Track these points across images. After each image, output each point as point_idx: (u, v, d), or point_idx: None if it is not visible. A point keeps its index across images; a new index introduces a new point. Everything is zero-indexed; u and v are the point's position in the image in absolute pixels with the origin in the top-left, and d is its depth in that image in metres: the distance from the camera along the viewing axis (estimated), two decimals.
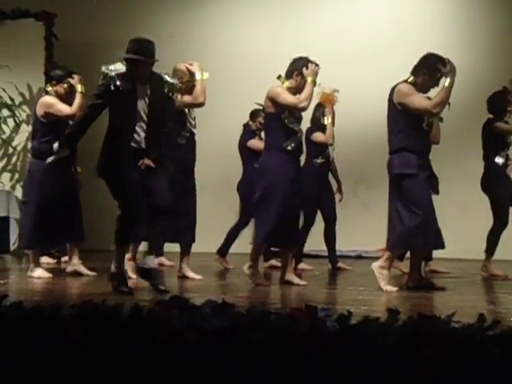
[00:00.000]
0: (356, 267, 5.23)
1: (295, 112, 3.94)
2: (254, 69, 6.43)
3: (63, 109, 4.31)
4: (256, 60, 6.53)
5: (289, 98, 3.87)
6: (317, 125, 4.99)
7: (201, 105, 4.12)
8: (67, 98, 4.44)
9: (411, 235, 3.62)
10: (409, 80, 3.74)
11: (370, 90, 6.05)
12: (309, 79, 3.86)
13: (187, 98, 4.10)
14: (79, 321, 2.28)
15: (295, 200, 3.89)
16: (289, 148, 3.87)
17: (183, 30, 7.05)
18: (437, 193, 4.00)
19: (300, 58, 3.95)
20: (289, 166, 3.89)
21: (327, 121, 4.90)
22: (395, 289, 3.63)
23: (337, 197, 5.19)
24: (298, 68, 3.91)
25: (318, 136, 4.93)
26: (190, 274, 4.31)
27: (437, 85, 3.69)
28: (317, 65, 3.92)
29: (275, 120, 3.93)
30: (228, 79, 6.61)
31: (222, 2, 7.16)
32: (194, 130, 4.33)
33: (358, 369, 1.96)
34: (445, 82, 3.61)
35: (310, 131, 4.98)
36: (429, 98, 3.79)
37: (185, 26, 7.06)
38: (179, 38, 7.01)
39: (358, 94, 5.86)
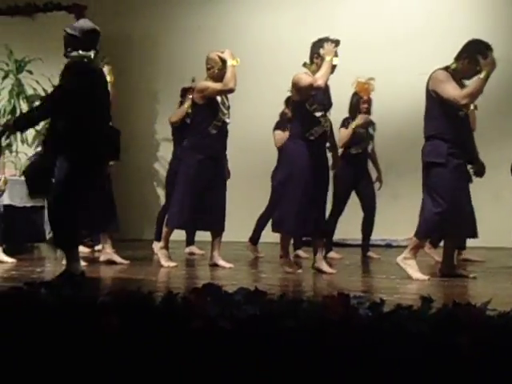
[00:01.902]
0: (386, 256, 5.19)
1: (322, 99, 3.89)
2: (282, 58, 6.40)
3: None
4: (284, 49, 6.50)
5: (305, 80, 3.84)
6: (353, 114, 5.00)
7: (231, 91, 4.14)
8: None
9: (434, 223, 3.59)
10: (451, 66, 3.69)
11: (399, 77, 5.98)
12: (327, 58, 3.83)
13: (218, 85, 4.13)
14: (115, 308, 2.33)
15: (318, 188, 3.87)
16: (311, 138, 3.86)
17: (211, 21, 7.06)
18: (470, 181, 3.95)
19: (318, 40, 3.94)
20: (310, 154, 3.85)
21: (351, 126, 4.91)
22: (426, 277, 3.60)
23: (376, 186, 5.18)
24: (317, 50, 3.92)
25: (340, 133, 4.94)
26: (221, 262, 4.34)
27: (479, 72, 3.61)
28: (337, 42, 3.87)
29: (300, 107, 3.91)
30: (256, 68, 6.60)
31: None
32: (226, 120, 4.34)
33: (391, 357, 1.97)
34: (481, 73, 3.55)
35: (346, 121, 4.98)
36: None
37: (212, 16, 7.07)
38: (207, 28, 7.02)
39: (387, 81, 5.78)
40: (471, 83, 3.61)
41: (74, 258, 3.44)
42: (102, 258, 4.65)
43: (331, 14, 6.68)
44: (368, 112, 5.06)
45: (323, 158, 3.98)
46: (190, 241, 5.41)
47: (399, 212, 5.34)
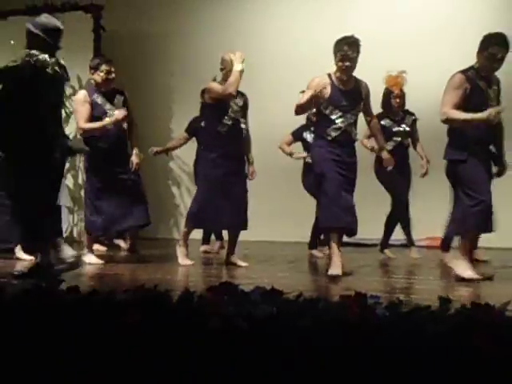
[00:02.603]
0: (402, 256, 5.17)
1: (338, 101, 3.87)
2: (297, 58, 6.40)
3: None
4: (299, 49, 6.50)
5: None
6: (386, 110, 5.01)
7: (229, 96, 4.18)
8: (104, 85, 4.53)
9: (475, 217, 3.55)
10: (474, 66, 3.68)
11: (415, 76, 5.93)
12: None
13: (219, 88, 4.18)
14: (133, 306, 2.34)
15: (345, 185, 3.85)
16: (329, 138, 3.87)
17: (229, 19, 7.07)
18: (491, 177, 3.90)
19: (338, 41, 3.93)
20: (331, 152, 3.86)
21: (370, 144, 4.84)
22: (476, 276, 3.52)
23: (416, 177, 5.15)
24: (336, 50, 3.92)
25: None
26: (238, 261, 4.36)
27: (497, 68, 3.62)
28: (351, 43, 3.83)
29: (318, 111, 4.01)
30: (270, 68, 6.61)
31: None
32: (239, 118, 4.35)
33: (408, 358, 1.96)
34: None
35: (379, 117, 4.83)
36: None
37: (231, 14, 7.08)
38: (226, 27, 7.04)
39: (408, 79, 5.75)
40: (462, 114, 3.57)
41: (44, 252, 3.55)
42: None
43: (346, 14, 6.66)
44: (401, 106, 5.04)
45: (345, 155, 3.91)
46: (205, 239, 5.44)
47: (415, 211, 5.29)
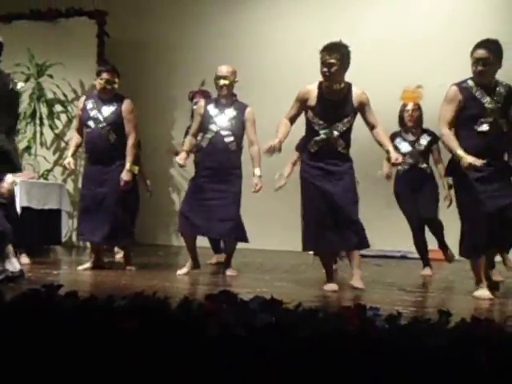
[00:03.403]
0: (401, 268, 5.16)
1: (324, 112, 3.67)
2: (303, 64, 6.40)
3: None
4: (306, 54, 6.49)
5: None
6: (400, 125, 4.80)
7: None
8: (102, 92, 4.52)
9: (468, 240, 3.43)
10: (472, 75, 3.54)
11: (422, 82, 5.94)
12: None
13: None
14: (131, 312, 2.33)
15: (323, 201, 3.65)
16: (312, 150, 3.73)
17: (233, 28, 7.10)
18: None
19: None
20: (313, 167, 3.71)
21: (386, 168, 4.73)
22: (487, 295, 3.38)
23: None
24: None
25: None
26: (227, 271, 4.40)
27: (481, 71, 3.43)
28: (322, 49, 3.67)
29: (306, 119, 3.82)
30: (278, 74, 6.60)
31: None
32: (220, 132, 4.32)
33: (407, 370, 1.95)
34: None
35: (393, 136, 4.74)
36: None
37: (234, 23, 7.10)
38: (228, 36, 7.06)
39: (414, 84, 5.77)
40: (452, 143, 3.45)
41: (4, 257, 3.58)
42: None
43: (356, 17, 6.70)
44: (415, 123, 4.74)
45: (332, 165, 3.70)
46: (215, 249, 5.38)
47: None
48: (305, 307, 2.29)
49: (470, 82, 3.49)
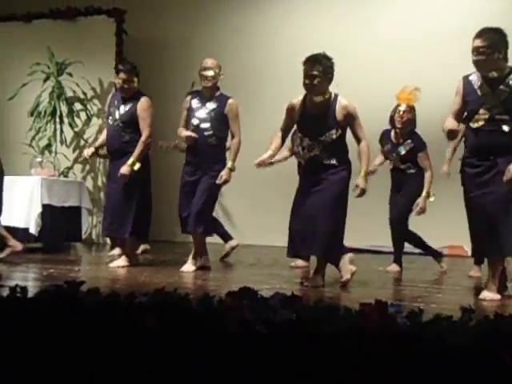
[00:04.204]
0: (420, 264, 5.13)
1: (306, 126, 3.69)
2: None
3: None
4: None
5: None
6: (391, 125, 4.71)
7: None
8: (120, 91, 4.59)
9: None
10: None
11: (438, 79, 5.88)
12: None
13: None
14: (152, 309, 2.35)
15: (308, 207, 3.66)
16: (302, 163, 3.80)
17: (247, 24, 7.11)
18: None
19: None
20: (302, 177, 3.82)
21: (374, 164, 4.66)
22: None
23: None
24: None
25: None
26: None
27: (478, 61, 3.29)
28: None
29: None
30: (291, 72, 6.58)
31: None
32: (200, 125, 4.30)
33: (429, 367, 1.94)
34: None
35: (383, 133, 4.76)
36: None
37: (248, 19, 7.11)
38: (242, 32, 7.07)
39: (427, 83, 5.70)
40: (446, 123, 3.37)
41: None
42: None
43: (368, 17, 6.66)
44: (402, 123, 4.57)
45: (320, 175, 3.66)
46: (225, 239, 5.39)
47: (435, 220, 5.23)
48: (325, 303, 2.29)
49: (475, 75, 3.36)
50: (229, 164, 4.26)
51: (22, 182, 5.59)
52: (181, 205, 4.37)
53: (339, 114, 3.60)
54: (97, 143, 4.93)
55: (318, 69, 3.54)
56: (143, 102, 4.52)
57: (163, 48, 7.19)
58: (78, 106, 6.93)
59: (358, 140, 3.66)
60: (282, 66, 6.71)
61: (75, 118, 6.84)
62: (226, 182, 4.28)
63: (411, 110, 4.61)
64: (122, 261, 4.50)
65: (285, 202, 5.39)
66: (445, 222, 5.24)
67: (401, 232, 4.69)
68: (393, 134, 4.71)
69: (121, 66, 4.67)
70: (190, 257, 4.38)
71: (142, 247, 5.73)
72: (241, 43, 7.04)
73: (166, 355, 2.25)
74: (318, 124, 3.62)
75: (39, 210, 5.39)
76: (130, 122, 4.48)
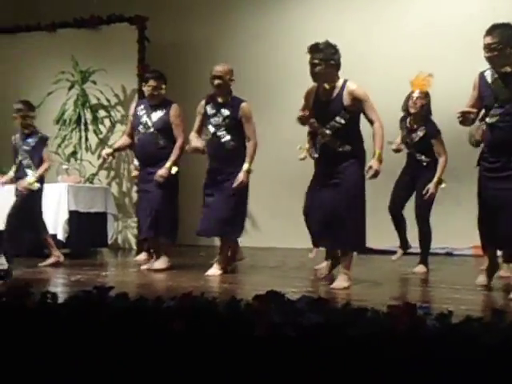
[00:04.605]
0: (447, 265, 5.07)
1: (318, 113, 3.73)
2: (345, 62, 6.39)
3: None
4: (346, 55, 6.48)
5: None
6: (405, 112, 4.70)
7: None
8: (149, 98, 4.65)
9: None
10: None
11: (462, 79, 5.83)
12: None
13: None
14: (180, 313, 2.37)
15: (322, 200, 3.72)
16: (315, 156, 3.82)
17: (268, 28, 7.11)
18: None
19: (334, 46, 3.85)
20: (316, 170, 3.84)
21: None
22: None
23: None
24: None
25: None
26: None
27: (489, 58, 3.33)
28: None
29: None
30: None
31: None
32: (217, 133, 4.35)
33: (459, 370, 1.92)
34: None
35: (402, 119, 4.75)
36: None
37: (271, 23, 7.12)
38: (266, 36, 7.08)
39: (451, 84, 5.65)
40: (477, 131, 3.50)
41: None
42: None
43: (393, 19, 6.62)
44: (419, 111, 4.57)
45: (333, 166, 3.68)
46: None
47: (461, 219, 5.17)
48: (353, 306, 2.28)
49: (490, 71, 3.39)
50: (245, 166, 4.30)
51: (49, 189, 5.66)
52: (205, 211, 4.42)
53: (346, 99, 3.64)
54: (115, 145, 4.98)
55: (319, 57, 3.62)
56: (175, 109, 4.64)
57: (185, 54, 7.24)
58: (102, 113, 7.02)
59: (371, 122, 3.66)
60: (304, 69, 6.70)
61: (99, 125, 6.94)
62: (242, 184, 4.31)
63: (425, 95, 4.60)
64: (163, 263, 4.58)
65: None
66: (469, 222, 5.16)
67: (425, 231, 4.65)
68: (408, 120, 4.71)
69: (149, 74, 4.75)
70: (216, 261, 4.40)
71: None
72: (262, 46, 7.05)
73: (193, 359, 2.27)
74: (327, 110, 3.69)
75: (66, 216, 5.47)
76: (164, 128, 4.58)
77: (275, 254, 5.84)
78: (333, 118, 3.65)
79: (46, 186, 5.72)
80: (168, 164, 4.49)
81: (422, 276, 4.44)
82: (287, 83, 6.91)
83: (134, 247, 6.93)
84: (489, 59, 3.32)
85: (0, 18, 7.34)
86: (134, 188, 7.01)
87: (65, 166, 6.33)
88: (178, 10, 7.32)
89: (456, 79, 5.60)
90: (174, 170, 4.53)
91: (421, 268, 4.64)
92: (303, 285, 3.74)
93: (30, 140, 4.97)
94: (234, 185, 4.27)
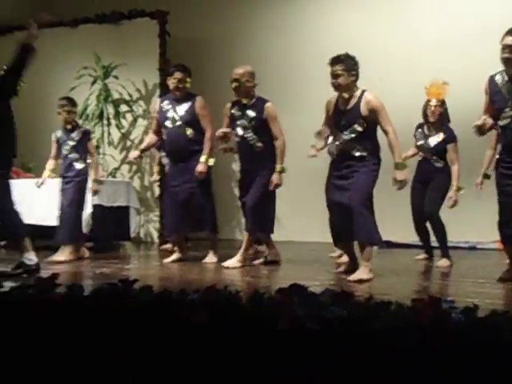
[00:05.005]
0: (470, 259, 5.02)
1: (336, 120, 3.89)
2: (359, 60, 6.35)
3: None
4: (359, 50, 6.42)
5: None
6: (423, 118, 4.83)
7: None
8: (174, 91, 4.68)
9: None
10: None
11: (477, 75, 5.75)
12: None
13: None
14: (203, 306, 2.39)
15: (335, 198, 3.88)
16: (333, 156, 3.94)
17: (287, 23, 7.10)
18: None
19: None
20: (332, 169, 3.95)
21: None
22: None
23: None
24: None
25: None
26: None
27: (505, 59, 3.40)
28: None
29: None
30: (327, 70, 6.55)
31: None
32: (244, 135, 4.43)
33: (485, 364, 1.91)
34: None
35: (418, 126, 4.87)
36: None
37: (288, 18, 7.10)
38: (282, 29, 7.06)
39: (468, 79, 5.57)
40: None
41: (25, 249, 3.77)
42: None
43: (406, 11, 6.55)
44: (438, 119, 4.71)
45: (347, 169, 3.85)
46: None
47: (483, 213, 5.10)
48: (376, 300, 2.27)
49: (500, 74, 3.46)
50: (277, 168, 4.41)
51: None
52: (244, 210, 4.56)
53: (364, 109, 3.79)
54: (142, 146, 5.03)
55: (341, 68, 3.78)
56: (200, 101, 4.70)
57: (205, 48, 7.25)
58: (123, 107, 7.07)
59: (385, 132, 3.79)
60: (322, 64, 6.67)
61: (121, 120, 6.99)
62: (277, 186, 4.42)
63: (442, 103, 4.75)
64: (213, 257, 4.70)
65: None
66: (493, 216, 5.11)
67: (437, 226, 4.73)
68: (425, 127, 4.84)
69: (174, 68, 4.77)
70: (240, 253, 4.45)
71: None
72: (281, 40, 7.03)
73: (216, 352, 2.28)
74: (346, 118, 3.84)
75: (90, 210, 5.53)
76: (191, 120, 4.64)
77: (297, 249, 5.84)
78: (352, 125, 3.81)
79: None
80: (204, 158, 4.57)
81: (446, 270, 4.42)
82: (305, 77, 6.88)
83: (156, 240, 6.99)
84: (505, 60, 3.38)
85: (23, 15, 7.42)
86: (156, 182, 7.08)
87: (88, 161, 6.39)
88: (198, 5, 7.33)
89: (465, 78, 5.57)
90: (211, 161, 4.63)
91: (444, 262, 4.63)
92: (325, 278, 3.74)
93: (73, 134, 5.07)
94: (270, 188, 4.40)
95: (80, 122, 6.93)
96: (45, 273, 3.58)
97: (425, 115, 4.80)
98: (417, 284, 3.61)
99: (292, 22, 7.09)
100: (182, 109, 4.65)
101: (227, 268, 4.30)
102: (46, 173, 5.17)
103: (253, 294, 2.40)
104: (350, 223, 3.73)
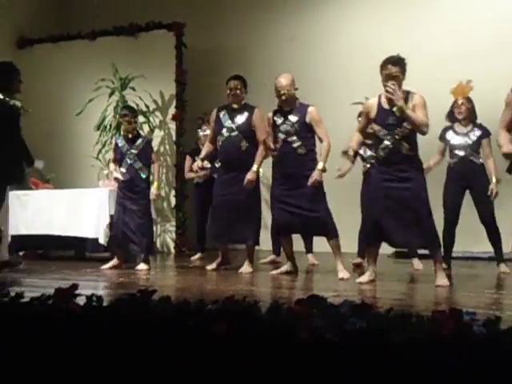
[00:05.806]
0: (490, 270, 4.96)
1: (384, 119, 3.95)
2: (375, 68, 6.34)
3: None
4: (379, 58, 6.44)
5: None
6: (449, 120, 4.88)
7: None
8: (230, 100, 4.82)
9: None
10: None
11: (497, 85, 5.72)
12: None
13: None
14: (222, 316, 2.39)
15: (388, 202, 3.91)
16: (379, 158, 4.01)
17: (303, 32, 7.13)
18: None
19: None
20: (383, 172, 3.99)
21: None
22: None
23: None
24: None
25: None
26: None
27: None
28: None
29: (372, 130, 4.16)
30: (347, 78, 6.56)
31: (340, 1, 7.15)
32: (287, 139, 4.49)
33: (508, 377, 1.88)
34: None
35: (445, 130, 4.90)
36: None
37: (304, 27, 7.14)
38: (299, 39, 7.09)
39: (485, 89, 5.55)
40: (500, 138, 3.49)
41: None
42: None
43: (428, 21, 6.55)
44: (467, 117, 4.79)
45: (398, 171, 3.92)
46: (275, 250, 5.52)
47: (503, 222, 5.05)
48: (396, 312, 2.25)
49: None
50: (320, 165, 4.44)
51: (91, 194, 5.79)
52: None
53: (411, 104, 3.87)
54: (202, 155, 5.05)
55: (398, 69, 3.87)
56: (259, 113, 4.77)
57: (222, 59, 7.31)
58: (141, 118, 7.11)
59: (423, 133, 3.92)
60: (341, 73, 6.69)
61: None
62: (316, 182, 4.43)
63: (468, 100, 4.79)
64: (248, 267, 4.75)
65: (345, 209, 5.36)
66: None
67: (496, 232, 4.79)
68: (456, 126, 4.84)
69: (230, 77, 4.85)
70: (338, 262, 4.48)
71: (197, 255, 5.87)
72: (299, 51, 7.06)
73: (236, 363, 2.28)
74: (395, 117, 3.89)
75: (107, 220, 5.56)
76: (247, 131, 4.72)
77: (318, 258, 5.81)
78: (401, 123, 3.87)
79: (86, 191, 5.86)
80: (255, 167, 4.66)
81: (484, 282, 4.41)
82: (323, 87, 6.89)
83: (173, 251, 7.01)
84: None
85: (42, 28, 7.55)
86: (173, 192, 7.11)
87: (106, 171, 6.45)
88: (215, 16, 7.40)
89: (485, 88, 5.53)
90: (261, 171, 4.82)
91: (505, 268, 4.73)
92: (343, 289, 3.71)
93: (137, 143, 5.17)
94: (309, 183, 4.42)
95: (97, 133, 7.05)
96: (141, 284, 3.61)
97: (452, 115, 4.82)
98: (437, 295, 3.57)
99: (309, 32, 7.12)
100: (240, 119, 4.75)
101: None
102: (117, 171, 5.20)
103: (271, 304, 2.39)
104: (409, 226, 3.82)
